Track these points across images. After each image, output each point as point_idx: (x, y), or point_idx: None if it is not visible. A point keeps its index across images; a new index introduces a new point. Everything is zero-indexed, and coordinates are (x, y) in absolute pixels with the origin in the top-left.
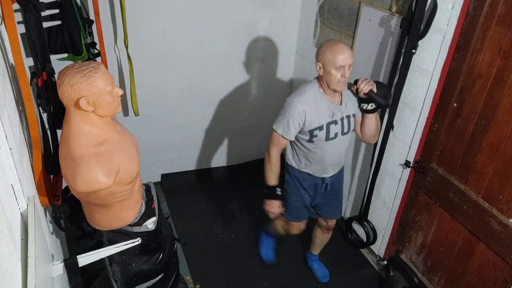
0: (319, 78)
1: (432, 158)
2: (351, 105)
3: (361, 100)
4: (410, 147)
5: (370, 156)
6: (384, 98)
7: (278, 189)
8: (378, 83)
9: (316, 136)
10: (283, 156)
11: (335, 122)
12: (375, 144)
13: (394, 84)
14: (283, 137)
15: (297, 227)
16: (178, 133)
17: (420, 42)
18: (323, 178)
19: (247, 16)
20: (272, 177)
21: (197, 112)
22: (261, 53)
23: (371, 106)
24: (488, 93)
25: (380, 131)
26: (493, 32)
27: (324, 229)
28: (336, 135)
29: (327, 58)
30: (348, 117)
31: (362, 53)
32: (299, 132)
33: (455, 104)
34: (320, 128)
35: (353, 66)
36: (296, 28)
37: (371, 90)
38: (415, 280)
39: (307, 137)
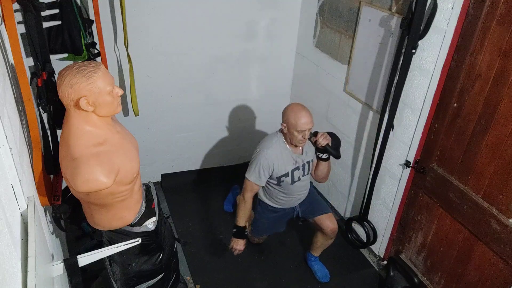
0: (283, 133)
1: (432, 158)
2: (310, 152)
3: (317, 150)
4: (410, 147)
5: (370, 156)
6: (336, 151)
7: (246, 230)
8: (331, 135)
9: (283, 181)
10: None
11: (297, 168)
12: (375, 144)
13: (394, 84)
14: (255, 184)
15: (258, 240)
16: (178, 133)
17: (420, 42)
18: (293, 207)
19: (247, 16)
20: (243, 219)
21: (197, 112)
22: (261, 53)
23: (325, 155)
24: (488, 93)
25: (329, 174)
26: (493, 32)
27: (327, 235)
28: (299, 178)
29: (290, 122)
30: (308, 162)
31: (362, 53)
32: (269, 178)
33: (455, 104)
34: (286, 175)
35: (355, 68)
36: (296, 28)
37: (327, 144)
38: (415, 280)
39: (275, 182)
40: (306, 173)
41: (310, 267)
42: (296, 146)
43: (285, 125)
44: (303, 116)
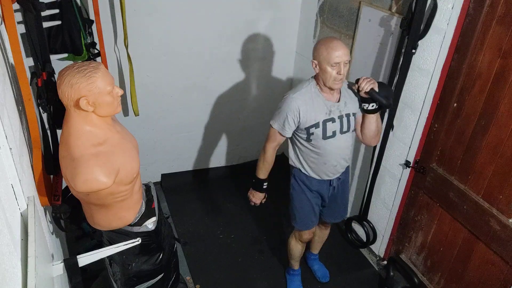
0: (316, 76)
1: (432, 158)
2: (351, 104)
3: (362, 100)
4: (410, 147)
5: (370, 156)
6: (386, 98)
7: (265, 183)
8: (380, 84)
9: (312, 134)
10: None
11: (332, 120)
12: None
13: (394, 84)
14: (279, 133)
15: (308, 235)
16: (178, 133)
17: (420, 42)
18: (330, 181)
19: (247, 16)
20: (263, 171)
21: (197, 112)
22: (261, 53)
23: (372, 106)
24: (488, 93)
25: (381, 133)
26: (493, 32)
27: (322, 226)
28: (334, 133)
29: (322, 55)
30: (347, 115)
31: (362, 53)
32: (297, 130)
33: (455, 104)
34: (316, 125)
35: (353, 66)
36: (296, 28)
37: (372, 89)
38: (415, 280)
39: (305, 136)
40: (344, 129)
41: (310, 267)
42: (331, 89)
43: (316, 62)
44: (337, 46)
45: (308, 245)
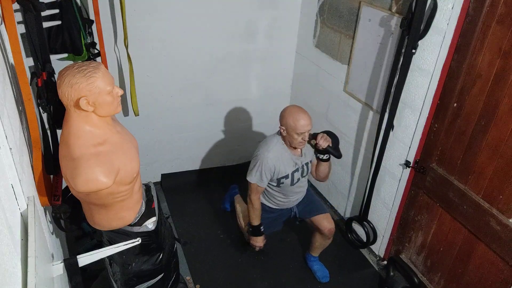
0: (282, 136)
1: (432, 158)
2: (309, 153)
3: (317, 151)
4: (410, 147)
5: (370, 156)
6: (337, 151)
7: (261, 227)
8: (329, 134)
9: (283, 183)
10: None
11: (297, 170)
12: (375, 144)
13: (394, 84)
14: (258, 185)
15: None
16: (178, 133)
17: (420, 42)
18: (291, 208)
19: (247, 16)
20: (256, 218)
21: (197, 112)
22: (261, 53)
23: (326, 156)
24: (488, 93)
25: (330, 173)
26: (493, 32)
27: (325, 235)
28: (298, 179)
29: (289, 124)
30: (306, 164)
31: (362, 53)
32: (269, 180)
33: (455, 104)
34: (286, 176)
35: (355, 68)
36: (296, 28)
37: (328, 146)
38: (415, 280)
39: (275, 183)
40: (305, 174)
41: (310, 267)
42: (295, 148)
43: (284, 128)
44: (302, 118)
45: (308, 247)
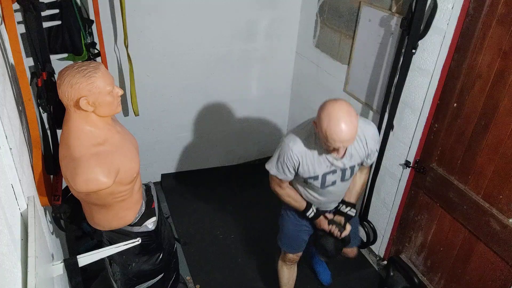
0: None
1: (432, 158)
2: (357, 155)
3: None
4: (410, 147)
5: None
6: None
7: (309, 210)
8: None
9: (310, 183)
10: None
11: (333, 171)
12: None
13: (394, 84)
14: (278, 178)
15: (292, 259)
16: (178, 133)
17: (420, 42)
18: (324, 211)
19: (247, 16)
20: (299, 203)
21: (197, 112)
22: (261, 53)
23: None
24: (488, 93)
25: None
26: (493, 32)
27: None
28: (334, 182)
29: (322, 128)
30: (352, 167)
31: (362, 53)
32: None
33: (455, 104)
34: (315, 178)
35: (355, 68)
36: (296, 28)
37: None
38: (415, 280)
39: (302, 180)
40: (346, 177)
41: (313, 268)
42: None
43: (318, 129)
44: (340, 131)
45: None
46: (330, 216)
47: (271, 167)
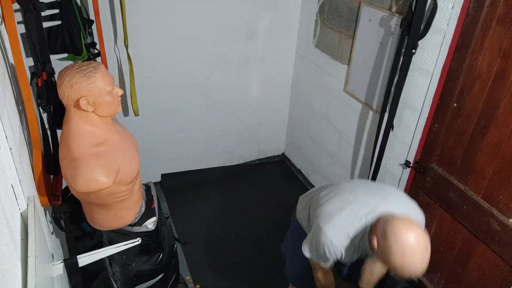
0: (370, 239)
1: (432, 158)
2: None
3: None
4: (410, 147)
5: (370, 156)
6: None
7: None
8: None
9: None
10: None
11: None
12: (375, 144)
13: (394, 84)
14: (321, 264)
15: None
16: (178, 133)
17: (420, 42)
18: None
19: (247, 16)
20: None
21: (197, 112)
22: (261, 53)
23: None
24: (488, 93)
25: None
26: (493, 32)
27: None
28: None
29: (390, 263)
30: None
31: (362, 53)
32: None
33: (455, 104)
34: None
35: (355, 68)
36: (296, 28)
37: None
38: (415, 280)
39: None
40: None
41: None
42: None
43: (379, 245)
44: (415, 270)
45: None
46: None
47: (313, 254)
